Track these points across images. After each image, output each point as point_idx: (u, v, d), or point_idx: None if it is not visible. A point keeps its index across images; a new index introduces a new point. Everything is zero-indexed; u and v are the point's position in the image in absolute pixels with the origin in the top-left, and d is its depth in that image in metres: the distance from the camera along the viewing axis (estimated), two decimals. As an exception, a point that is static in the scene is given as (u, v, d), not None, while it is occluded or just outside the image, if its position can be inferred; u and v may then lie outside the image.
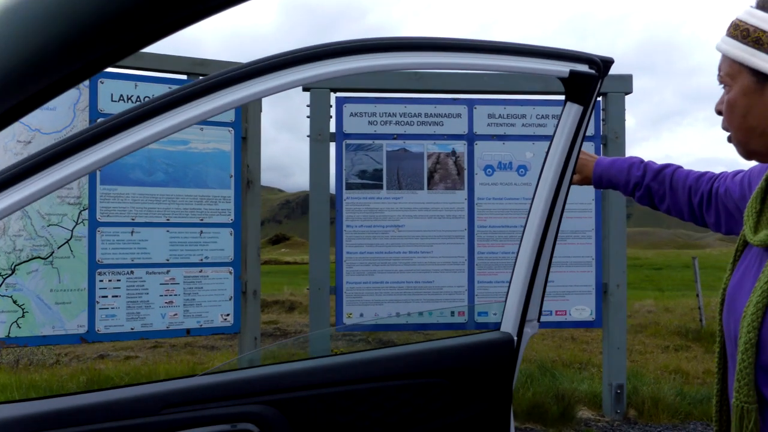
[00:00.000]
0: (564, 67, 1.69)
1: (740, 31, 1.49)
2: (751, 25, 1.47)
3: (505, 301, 2.07)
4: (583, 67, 1.72)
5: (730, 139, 1.59)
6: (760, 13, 1.46)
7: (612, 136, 5.54)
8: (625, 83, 5.65)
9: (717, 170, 1.67)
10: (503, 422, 2.04)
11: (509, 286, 2.05)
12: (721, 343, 1.63)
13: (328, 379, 1.87)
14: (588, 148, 5.34)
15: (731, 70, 1.52)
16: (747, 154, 1.57)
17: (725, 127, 1.58)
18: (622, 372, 5.63)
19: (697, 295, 12.06)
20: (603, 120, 5.59)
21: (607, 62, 1.75)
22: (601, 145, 5.54)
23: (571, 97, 1.81)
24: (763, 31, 1.44)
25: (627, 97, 5.69)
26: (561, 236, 5.29)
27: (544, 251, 2.00)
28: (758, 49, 1.45)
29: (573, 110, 1.82)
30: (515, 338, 2.05)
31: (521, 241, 2.01)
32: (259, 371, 1.85)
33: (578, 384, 6.50)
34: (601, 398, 5.91)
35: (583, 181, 2.31)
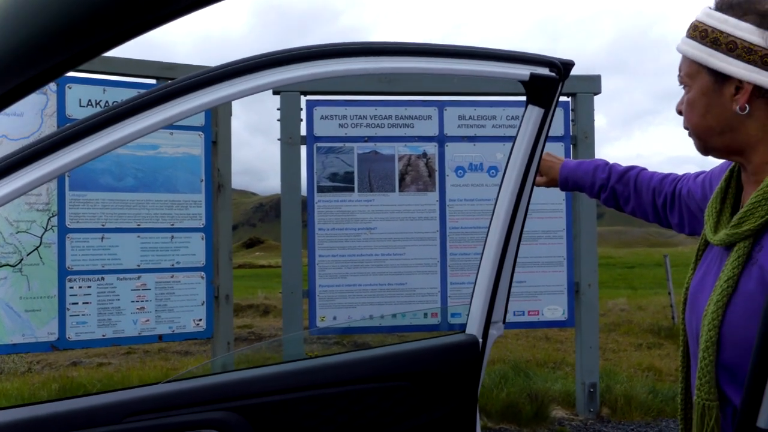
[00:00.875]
0: (524, 71, 1.70)
1: (699, 32, 1.51)
2: (709, 26, 1.49)
3: (470, 303, 2.08)
4: (544, 71, 1.73)
5: (690, 134, 1.62)
6: (717, 14, 1.49)
7: (581, 137, 5.58)
8: (594, 84, 5.69)
9: (688, 168, 1.70)
10: (469, 425, 2.05)
11: (474, 289, 2.06)
12: (685, 341, 1.66)
13: (293, 384, 1.86)
14: (558, 148, 5.38)
15: (690, 71, 1.55)
16: (705, 151, 1.60)
17: (686, 127, 1.61)
18: (594, 371, 5.67)
19: (669, 293, 12.19)
20: (572, 120, 5.63)
21: (568, 65, 1.76)
22: (571, 146, 5.57)
23: (532, 100, 1.82)
24: (720, 32, 1.47)
25: (599, 97, 5.74)
26: (532, 236, 5.35)
27: (508, 253, 2.01)
28: (716, 49, 1.47)
29: (534, 113, 1.83)
30: (480, 340, 2.06)
31: (485, 243, 2.02)
32: (222, 377, 1.84)
33: (552, 383, 6.54)
34: (574, 397, 5.95)
35: (550, 184, 2.33)
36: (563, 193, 5.45)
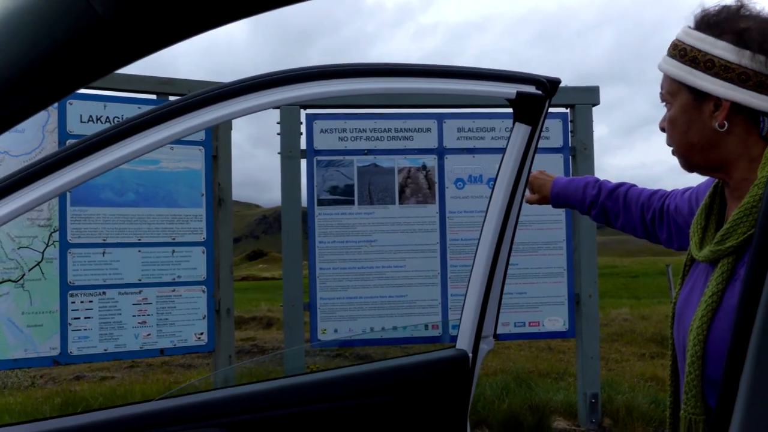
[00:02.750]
0: (511, 89, 1.72)
1: (678, 51, 1.54)
2: (688, 45, 1.52)
3: (461, 317, 2.09)
4: (530, 89, 1.75)
5: (674, 152, 1.64)
6: (696, 33, 1.52)
7: (580, 148, 5.59)
8: (593, 95, 5.70)
9: (691, 179, 1.70)
10: None
11: (464, 303, 2.07)
12: (673, 356, 1.67)
13: (282, 401, 1.87)
14: (557, 160, 5.40)
15: (672, 89, 1.57)
16: (689, 167, 1.63)
17: (669, 143, 1.63)
18: (596, 381, 5.66)
19: (671, 302, 12.15)
20: (571, 132, 5.64)
21: (554, 83, 1.79)
22: (570, 157, 5.58)
23: (519, 118, 1.84)
24: (699, 51, 1.49)
25: (601, 107, 5.74)
26: (532, 247, 5.36)
27: (498, 268, 2.02)
28: (694, 67, 1.50)
29: (522, 131, 1.85)
30: (470, 355, 2.07)
31: (474, 259, 2.03)
32: (212, 395, 1.85)
33: (554, 394, 6.53)
34: (576, 408, 5.95)
35: (542, 201, 2.36)
36: (561, 205, 5.46)
